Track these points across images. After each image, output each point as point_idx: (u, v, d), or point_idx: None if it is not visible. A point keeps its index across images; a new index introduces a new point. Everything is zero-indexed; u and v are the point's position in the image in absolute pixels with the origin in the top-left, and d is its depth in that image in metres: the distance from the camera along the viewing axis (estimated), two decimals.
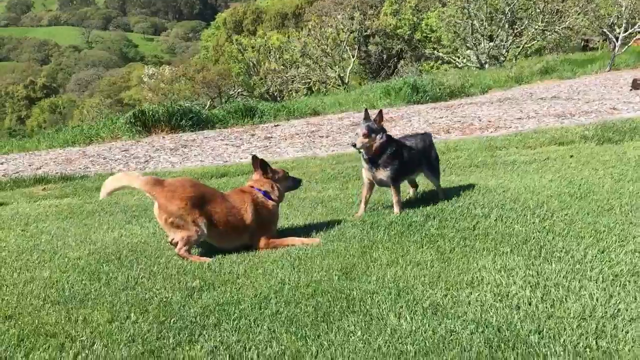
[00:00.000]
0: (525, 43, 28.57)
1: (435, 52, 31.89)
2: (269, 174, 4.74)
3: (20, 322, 3.45)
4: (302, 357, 2.92)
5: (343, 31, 31.18)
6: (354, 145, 4.99)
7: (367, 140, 4.88)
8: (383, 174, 4.96)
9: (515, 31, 27.93)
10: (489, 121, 10.09)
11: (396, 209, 5.03)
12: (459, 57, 29.85)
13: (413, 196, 5.63)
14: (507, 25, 27.63)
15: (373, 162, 4.95)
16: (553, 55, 24.81)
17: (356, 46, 32.60)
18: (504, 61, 26.93)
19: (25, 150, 14.10)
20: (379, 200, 5.58)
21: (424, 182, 5.83)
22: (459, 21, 27.81)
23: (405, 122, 11.88)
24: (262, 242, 4.52)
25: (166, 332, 3.24)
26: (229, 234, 4.49)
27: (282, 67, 31.10)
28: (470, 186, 5.60)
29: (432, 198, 5.38)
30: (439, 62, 33.68)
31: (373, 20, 33.22)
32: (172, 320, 3.36)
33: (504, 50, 28.02)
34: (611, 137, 7.08)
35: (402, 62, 41.32)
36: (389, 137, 5.03)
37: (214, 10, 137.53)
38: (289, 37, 33.64)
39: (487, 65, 26.58)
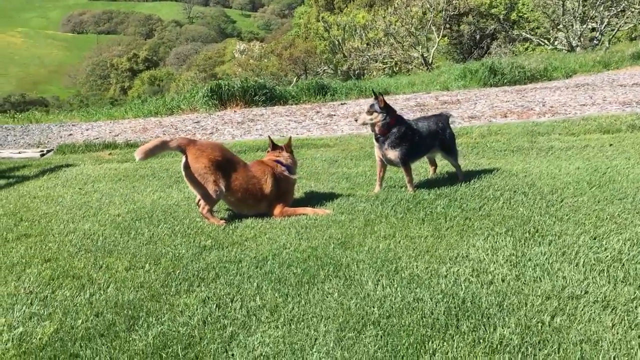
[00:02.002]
0: (621, 26, 27.00)
1: (524, 33, 30.75)
2: (288, 148, 5.11)
3: (55, 265, 4.04)
4: (279, 310, 3.27)
5: (429, 10, 30.69)
6: (356, 120, 5.33)
7: (369, 117, 5.16)
8: (392, 154, 5.16)
9: (610, 14, 26.44)
10: (551, 107, 9.89)
11: (409, 188, 5.24)
12: (549, 40, 28.68)
13: (433, 175, 5.81)
14: (602, 7, 26.22)
15: (382, 141, 5.18)
16: None
17: (442, 26, 31.97)
18: (597, 45, 25.65)
19: (112, 119, 15.20)
20: (402, 178, 5.79)
21: (445, 162, 5.97)
22: (549, 1, 26.72)
23: (470, 104, 11.80)
24: (277, 210, 4.90)
25: (170, 281, 3.70)
26: (247, 201, 4.90)
27: (365, 45, 31.14)
28: (495, 169, 5.69)
29: (451, 178, 5.54)
30: (535, 44, 32.47)
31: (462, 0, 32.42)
32: (177, 272, 3.81)
33: (598, 34, 26.64)
34: None
35: (495, 43, 40.08)
36: (399, 118, 5.22)
37: None
38: (374, 15, 33.56)
39: (578, 49, 25.42)
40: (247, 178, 4.90)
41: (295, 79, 35.14)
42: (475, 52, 38.90)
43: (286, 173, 5.11)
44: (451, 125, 5.70)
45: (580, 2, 26.29)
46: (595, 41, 26.28)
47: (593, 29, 27.81)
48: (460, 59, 34.65)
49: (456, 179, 5.52)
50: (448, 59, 35.35)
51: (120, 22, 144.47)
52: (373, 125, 5.19)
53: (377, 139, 5.24)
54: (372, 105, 5.19)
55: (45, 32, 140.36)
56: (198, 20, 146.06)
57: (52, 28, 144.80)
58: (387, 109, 5.16)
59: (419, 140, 5.23)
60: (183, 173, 4.84)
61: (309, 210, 4.91)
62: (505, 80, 16.97)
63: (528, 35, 30.55)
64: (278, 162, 5.12)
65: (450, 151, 5.52)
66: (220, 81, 16.41)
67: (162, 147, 4.80)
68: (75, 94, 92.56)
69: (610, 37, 26.72)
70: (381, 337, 2.95)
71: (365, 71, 30.97)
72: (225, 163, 4.86)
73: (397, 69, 30.54)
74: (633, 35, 27.85)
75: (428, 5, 30.72)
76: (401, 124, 5.19)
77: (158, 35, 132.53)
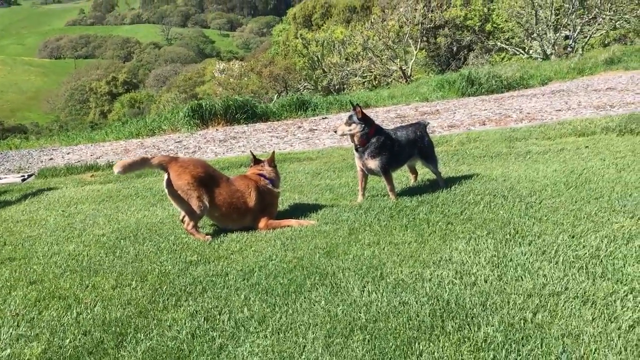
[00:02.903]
0: (593, 33, 27.57)
1: (499, 43, 31.25)
2: (271, 163, 5.16)
3: (40, 287, 4.03)
4: (267, 320, 3.30)
5: (406, 24, 31.08)
6: (335, 131, 5.42)
7: (348, 128, 5.23)
8: (372, 163, 5.23)
9: (583, 21, 26.98)
10: (528, 113, 10.07)
11: (392, 196, 5.32)
12: (524, 49, 29.17)
13: (414, 183, 5.89)
14: (574, 15, 26.74)
15: (362, 151, 5.26)
16: (620, 46, 23.86)
17: (419, 39, 32.38)
18: (570, 52, 26.14)
19: (93, 142, 15.15)
20: (384, 187, 5.86)
21: (426, 170, 6.06)
22: (522, 11, 27.22)
23: (449, 114, 11.97)
24: (262, 223, 4.94)
25: (158, 297, 3.71)
26: (231, 215, 4.93)
27: (344, 60, 31.41)
28: (474, 175, 5.79)
29: (433, 185, 5.62)
30: (510, 53, 32.99)
31: (437, 12, 32.89)
32: (164, 288, 3.83)
33: (571, 41, 27.16)
34: (633, 128, 6.99)
35: (472, 54, 40.64)
36: (378, 128, 5.29)
37: (287, 5, 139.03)
38: (352, 30, 33.88)
39: (552, 57, 25.88)
40: (230, 192, 4.93)
41: (276, 96, 35.28)
42: (452, 63, 39.43)
43: (269, 186, 5.15)
44: (431, 134, 5.82)
45: (553, 11, 26.80)
46: (569, 49, 26.78)
47: (567, 37, 28.34)
48: (438, 70, 35.09)
49: (437, 185, 5.60)
50: (427, 71, 35.79)
51: (98, 46, 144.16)
52: (352, 136, 5.25)
53: (357, 150, 5.31)
54: (350, 117, 5.25)
55: (21, 58, 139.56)
56: (176, 42, 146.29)
57: (29, 54, 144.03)
58: (365, 120, 5.23)
59: (398, 149, 5.31)
60: (166, 191, 4.86)
61: (293, 222, 4.95)
62: (482, 90, 17.24)
63: (503, 45, 31.06)
64: (261, 175, 5.17)
65: (430, 159, 5.60)
66: (201, 101, 16.47)
67: (142, 164, 4.82)
68: (55, 119, 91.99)
69: (584, 44, 27.24)
70: (368, 341, 3.00)
71: (345, 86, 31.21)
72: (208, 178, 4.90)
73: (377, 82, 30.83)
74: (606, 42, 28.44)
75: (404, 19, 31.10)
76: (380, 133, 5.26)
77: (137, 58, 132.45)
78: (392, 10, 32.94)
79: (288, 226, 4.89)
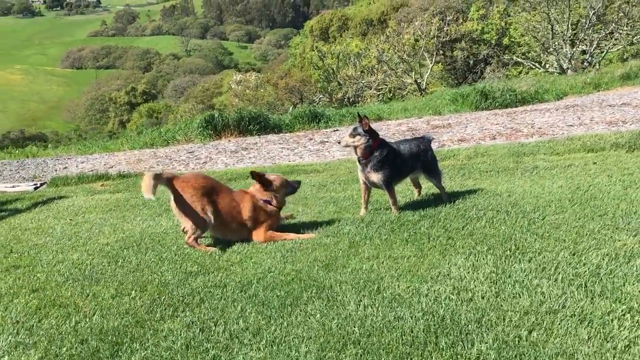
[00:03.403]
0: (610, 48, 27.36)
1: (514, 57, 31.13)
2: (268, 187, 5.14)
3: (42, 295, 4.09)
4: (261, 332, 3.32)
5: (421, 37, 31.11)
6: (339, 142, 5.44)
7: (352, 139, 5.21)
8: (375, 176, 5.22)
9: (600, 36, 26.79)
10: (540, 128, 10.01)
11: (394, 210, 5.30)
12: (540, 63, 29.03)
13: (418, 197, 5.87)
14: (591, 30, 26.57)
15: (364, 164, 5.25)
16: (636, 61, 23.63)
17: (434, 52, 32.38)
18: (587, 67, 25.94)
19: (108, 151, 15.31)
20: (388, 200, 5.85)
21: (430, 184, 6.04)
22: (538, 25, 27.10)
23: (461, 127, 11.93)
24: (262, 236, 4.96)
25: (155, 307, 3.74)
26: (230, 226, 4.97)
27: (359, 73, 31.50)
28: (479, 190, 5.76)
29: (436, 200, 5.60)
30: (527, 67, 32.83)
31: (453, 26, 32.88)
32: (163, 298, 3.86)
33: (588, 56, 26.96)
34: None
35: (488, 67, 40.52)
36: (382, 141, 5.28)
37: (305, 17, 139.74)
38: (367, 43, 33.99)
39: (569, 71, 25.71)
40: (230, 202, 4.98)
41: (291, 108, 35.40)
42: (469, 76, 39.31)
43: (261, 203, 5.13)
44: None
45: (570, 26, 26.66)
46: (585, 63, 26.60)
47: (583, 52, 28.16)
48: (454, 84, 35.00)
49: (441, 200, 5.58)
50: (443, 84, 35.72)
51: (118, 57, 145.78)
52: (356, 148, 5.25)
53: (359, 162, 5.31)
54: (355, 129, 5.25)
55: (44, 68, 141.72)
56: (195, 53, 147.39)
57: (51, 64, 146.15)
58: (370, 132, 5.22)
59: (401, 163, 5.30)
60: (172, 206, 4.93)
61: (292, 235, 4.97)
62: (496, 104, 17.13)
63: (519, 60, 30.93)
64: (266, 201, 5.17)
65: (433, 173, 5.56)
66: (214, 112, 16.57)
67: (157, 179, 4.89)
68: (75, 128, 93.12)
69: (600, 58, 27.04)
70: (361, 355, 3.00)
71: (360, 98, 31.27)
72: (210, 189, 4.95)
73: (392, 95, 30.85)
74: (624, 57, 28.20)
75: (420, 33, 31.13)
76: (383, 146, 5.24)
77: (156, 69, 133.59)
78: (407, 24, 33.00)
79: (288, 239, 4.90)
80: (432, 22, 31.46)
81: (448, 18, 32.82)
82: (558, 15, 26.81)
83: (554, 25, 26.79)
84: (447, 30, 32.10)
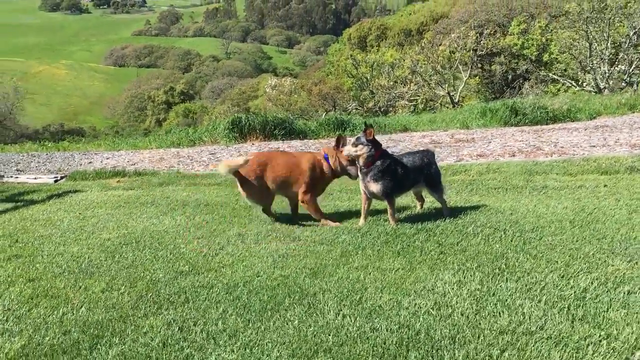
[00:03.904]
0: None
1: (550, 74, 30.66)
2: (339, 148, 5.56)
3: (37, 285, 4.22)
4: (238, 334, 3.37)
5: (457, 50, 30.92)
6: (341, 152, 5.48)
7: (354, 149, 5.22)
8: (374, 187, 5.20)
9: (639, 56, 26.18)
10: (562, 147, 9.85)
11: (391, 221, 5.30)
12: (577, 81, 28.52)
13: (420, 210, 5.85)
14: (631, 50, 26.00)
15: (365, 173, 5.25)
16: None
17: (470, 65, 32.13)
18: (625, 87, 25.40)
19: (136, 148, 15.63)
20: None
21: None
22: (575, 43, 26.65)
23: (484, 142, 11.81)
24: (302, 196, 5.56)
25: (141, 304, 3.83)
26: (285, 183, 5.56)
27: (393, 83, 31.46)
28: (483, 206, 5.71)
29: (437, 214, 5.57)
30: (566, 85, 32.29)
31: (490, 40, 32.58)
32: (150, 295, 3.95)
33: (627, 76, 26.38)
34: None
35: (527, 83, 39.99)
36: (384, 152, 5.28)
37: (346, 25, 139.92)
38: (402, 54, 33.94)
39: (606, 91, 25.20)
40: (286, 161, 5.60)
41: (324, 115, 35.51)
42: (507, 91, 38.82)
43: (324, 166, 5.64)
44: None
45: (609, 45, 26.16)
46: (623, 83, 26.05)
47: (624, 72, 27.57)
48: (491, 98, 34.58)
49: (441, 214, 5.55)
50: (479, 98, 35.38)
51: (160, 57, 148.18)
52: (358, 157, 5.25)
53: (361, 171, 5.31)
54: (358, 138, 5.26)
55: (88, 64, 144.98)
56: (235, 56, 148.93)
57: (95, 61, 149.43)
58: (373, 142, 5.22)
59: (403, 175, 5.26)
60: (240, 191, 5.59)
61: (324, 220, 5.63)
62: (526, 120, 16.88)
63: (555, 77, 30.45)
64: (325, 156, 5.65)
65: (435, 187, 5.52)
66: (241, 115, 16.76)
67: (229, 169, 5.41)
68: (114, 124, 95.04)
69: (638, 79, 26.44)
70: None
71: (392, 108, 31.21)
72: (267, 159, 5.58)
73: (423, 106, 30.73)
74: None
75: (456, 45, 30.94)
76: (385, 157, 5.24)
77: (196, 70, 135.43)
78: (443, 36, 32.83)
79: (316, 218, 5.63)
80: (468, 35, 31.19)
81: (486, 32, 32.50)
82: (597, 34, 26.31)
83: (593, 44, 26.31)
84: (483, 43, 31.79)
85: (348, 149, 5.30)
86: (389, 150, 5.56)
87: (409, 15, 68.54)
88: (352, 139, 5.36)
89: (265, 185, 5.48)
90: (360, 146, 5.22)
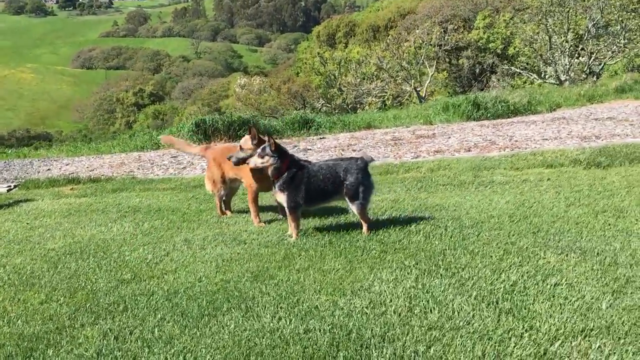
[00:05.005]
0: (607, 61, 27.23)
1: (513, 67, 31.11)
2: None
3: None
4: (173, 341, 3.39)
5: (422, 46, 31.17)
6: (247, 163, 5.22)
7: (260, 160, 5.00)
8: (281, 196, 5.03)
9: (599, 48, 26.67)
10: (516, 141, 10.04)
11: (294, 236, 5.11)
12: (540, 74, 28.97)
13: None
14: (590, 42, 26.49)
15: (274, 184, 5.07)
16: (634, 74, 23.52)
17: (436, 60, 32.43)
18: (585, 78, 25.86)
19: (98, 153, 15.44)
20: (342, 212, 5.90)
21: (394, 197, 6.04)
22: (536, 37, 27.07)
23: (444, 138, 11.97)
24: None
25: (79, 315, 3.83)
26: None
27: (360, 79, 31.58)
28: (428, 204, 5.81)
29: (379, 211, 5.65)
30: (531, 78, 32.73)
31: (453, 35, 32.90)
32: (88, 305, 3.95)
33: (586, 68, 26.87)
34: (601, 161, 6.94)
35: (494, 76, 40.43)
36: (292, 161, 5.05)
37: (316, 22, 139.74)
38: (369, 50, 34.07)
39: (566, 83, 25.65)
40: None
41: (293, 113, 35.37)
42: (475, 85, 39.21)
43: None
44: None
45: (568, 37, 26.61)
46: (583, 75, 26.55)
47: (585, 64, 28.05)
48: (460, 91, 34.88)
49: (383, 211, 5.60)
50: (449, 92, 35.67)
51: (129, 58, 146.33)
52: (265, 168, 5.04)
53: (272, 181, 5.11)
54: (263, 149, 5.00)
55: (54, 67, 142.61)
56: (205, 56, 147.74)
57: (62, 64, 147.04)
58: (278, 152, 4.99)
59: (315, 185, 4.99)
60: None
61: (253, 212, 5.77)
62: (488, 114, 17.10)
63: (517, 70, 30.91)
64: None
65: (355, 199, 4.99)
66: (205, 116, 16.69)
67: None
68: (83, 128, 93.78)
69: (598, 70, 26.96)
70: None
71: (359, 105, 31.33)
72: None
73: (391, 102, 30.91)
74: (631, 68, 28.02)
75: (420, 41, 31.18)
76: (294, 167, 5.01)
77: (165, 71, 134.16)
78: (408, 32, 33.04)
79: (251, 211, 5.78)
80: (432, 31, 31.45)
81: (450, 27, 32.80)
82: (557, 26, 26.75)
83: (552, 37, 26.74)
84: (447, 39, 32.10)
85: (254, 161, 5.04)
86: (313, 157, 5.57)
87: (377, 12, 68.75)
88: (259, 150, 5.08)
89: None
90: (266, 157, 4.97)
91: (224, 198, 6.21)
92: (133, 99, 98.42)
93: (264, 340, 3.33)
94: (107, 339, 3.47)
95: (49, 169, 11.60)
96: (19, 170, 11.64)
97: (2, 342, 3.50)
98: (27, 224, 6.30)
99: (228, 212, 6.29)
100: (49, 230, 5.92)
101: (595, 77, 26.68)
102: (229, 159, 5.41)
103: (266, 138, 5.10)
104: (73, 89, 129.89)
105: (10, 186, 9.17)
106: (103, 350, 3.34)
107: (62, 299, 4.08)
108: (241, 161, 5.30)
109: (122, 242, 5.32)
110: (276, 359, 3.14)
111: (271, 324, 3.51)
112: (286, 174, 4.97)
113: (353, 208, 5.05)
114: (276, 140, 5.07)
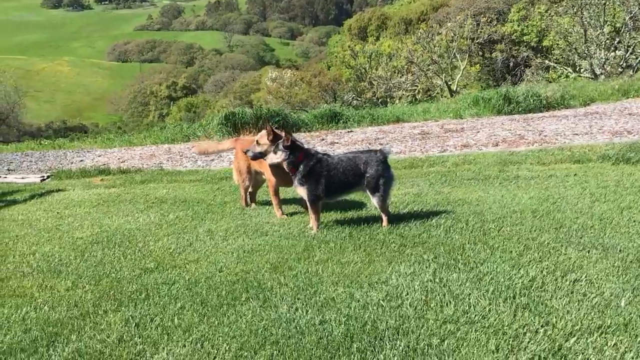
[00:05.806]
0: None
1: (547, 61, 30.55)
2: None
3: (5, 285, 4.34)
4: (192, 329, 3.47)
5: (454, 38, 30.84)
6: (265, 159, 5.27)
7: (276, 156, 5.06)
8: (301, 190, 5.06)
9: (636, 41, 25.99)
10: (545, 135, 9.88)
11: (314, 229, 5.15)
12: (575, 67, 28.40)
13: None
14: (628, 36, 25.84)
15: (294, 178, 5.09)
16: None
17: (468, 53, 32.06)
18: (621, 72, 25.25)
19: (130, 145, 15.74)
20: (362, 204, 5.92)
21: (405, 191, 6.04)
22: (571, 30, 26.51)
23: (472, 133, 11.85)
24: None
25: (103, 301, 3.94)
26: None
27: (391, 73, 31.41)
28: (451, 198, 5.79)
29: (401, 204, 5.64)
30: (567, 71, 32.09)
31: (485, 28, 32.46)
32: (112, 293, 4.05)
33: (622, 61, 26.23)
34: (630, 157, 6.77)
35: (528, 70, 39.80)
36: (307, 153, 5.07)
37: (348, 15, 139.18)
38: (399, 44, 33.86)
39: (602, 77, 25.09)
40: None
41: (324, 106, 35.38)
42: (509, 78, 38.63)
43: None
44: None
45: (604, 30, 26.00)
46: (620, 69, 25.91)
47: (622, 57, 27.41)
48: (494, 85, 34.40)
49: (405, 205, 5.59)
50: (481, 86, 35.21)
51: (162, 51, 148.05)
52: (281, 164, 5.09)
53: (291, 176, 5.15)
54: (277, 145, 5.05)
55: (90, 60, 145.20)
56: (238, 49, 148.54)
57: (98, 57, 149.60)
58: (292, 147, 5.00)
59: (333, 177, 5.00)
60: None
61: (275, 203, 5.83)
62: (520, 109, 16.84)
63: (552, 64, 30.35)
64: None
65: (375, 191, 5.01)
66: (235, 109, 16.84)
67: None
68: (117, 120, 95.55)
69: (636, 63, 26.27)
70: (275, 356, 3.13)
71: (390, 99, 31.18)
72: None
73: (421, 96, 30.69)
74: None
75: (452, 34, 30.85)
76: (309, 159, 5.02)
77: (198, 64, 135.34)
78: (439, 25, 32.73)
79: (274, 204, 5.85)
80: (465, 24, 31.08)
81: (483, 20, 32.37)
82: (592, 20, 26.17)
83: (588, 30, 26.16)
84: (480, 32, 31.68)
85: (271, 157, 5.11)
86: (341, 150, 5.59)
87: (409, 4, 68.19)
88: (274, 146, 5.12)
89: None
90: (279, 152, 5.03)
91: (249, 189, 6.28)
92: (166, 91, 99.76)
93: (279, 330, 3.38)
94: (129, 325, 3.57)
95: (81, 160, 11.87)
96: (53, 161, 11.94)
97: (29, 327, 3.63)
98: (57, 213, 6.49)
99: (253, 204, 6.36)
100: (77, 220, 6.09)
101: (632, 70, 26.00)
102: (245, 152, 5.46)
103: (282, 133, 5.14)
104: (108, 81, 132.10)
105: (43, 176, 9.43)
106: (124, 337, 3.43)
107: (87, 286, 4.20)
108: (258, 155, 5.34)
109: (148, 232, 5.44)
110: (291, 348, 3.19)
111: (287, 315, 3.55)
112: (302, 167, 4.98)
113: (374, 200, 5.07)
114: (292, 135, 5.08)
